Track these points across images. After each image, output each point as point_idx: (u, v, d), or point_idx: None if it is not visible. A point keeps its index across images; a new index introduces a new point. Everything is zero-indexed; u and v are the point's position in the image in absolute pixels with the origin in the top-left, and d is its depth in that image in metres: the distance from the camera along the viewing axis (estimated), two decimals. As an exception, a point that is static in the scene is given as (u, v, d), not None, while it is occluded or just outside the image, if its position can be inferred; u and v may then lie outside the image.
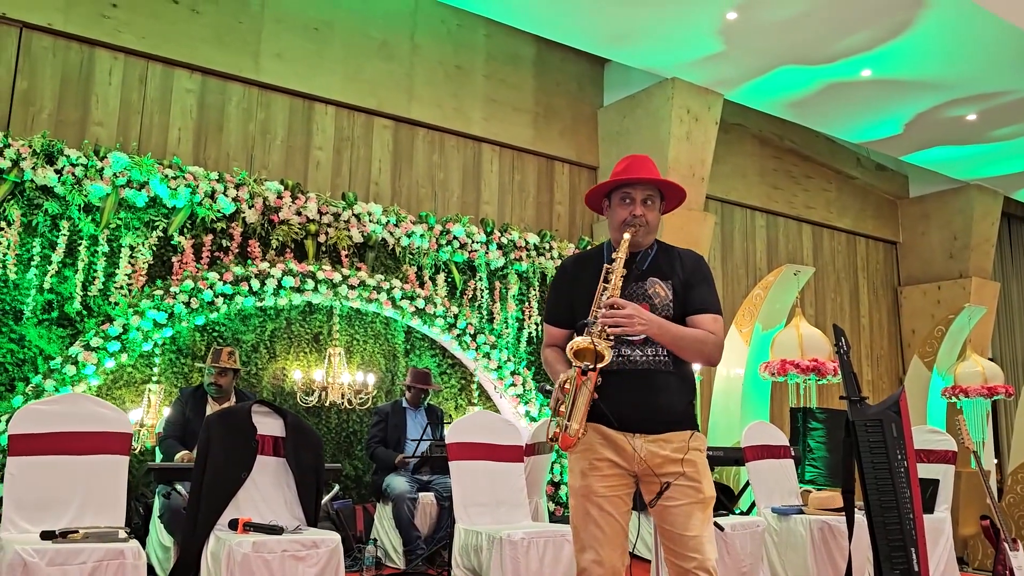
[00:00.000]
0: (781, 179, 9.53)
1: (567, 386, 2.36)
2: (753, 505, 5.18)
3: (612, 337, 2.37)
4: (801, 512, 4.58)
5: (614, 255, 2.51)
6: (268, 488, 3.45)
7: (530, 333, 6.83)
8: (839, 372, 4.25)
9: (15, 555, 2.64)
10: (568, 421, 2.32)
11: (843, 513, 4.10)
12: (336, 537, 3.21)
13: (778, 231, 9.58)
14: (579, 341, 2.33)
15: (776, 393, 8.02)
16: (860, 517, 4.08)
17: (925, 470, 5.03)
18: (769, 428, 5.06)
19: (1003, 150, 8.85)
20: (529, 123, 7.94)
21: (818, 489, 6.83)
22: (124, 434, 3.28)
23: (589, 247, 7.26)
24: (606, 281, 2.45)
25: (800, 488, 5.00)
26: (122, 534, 2.93)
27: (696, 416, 2.62)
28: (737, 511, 6.21)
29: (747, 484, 5.44)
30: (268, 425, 3.54)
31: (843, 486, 4.09)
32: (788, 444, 5.07)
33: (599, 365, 2.31)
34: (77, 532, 2.90)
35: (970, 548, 8.65)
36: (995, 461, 10.38)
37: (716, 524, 3.68)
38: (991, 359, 10.19)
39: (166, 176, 5.39)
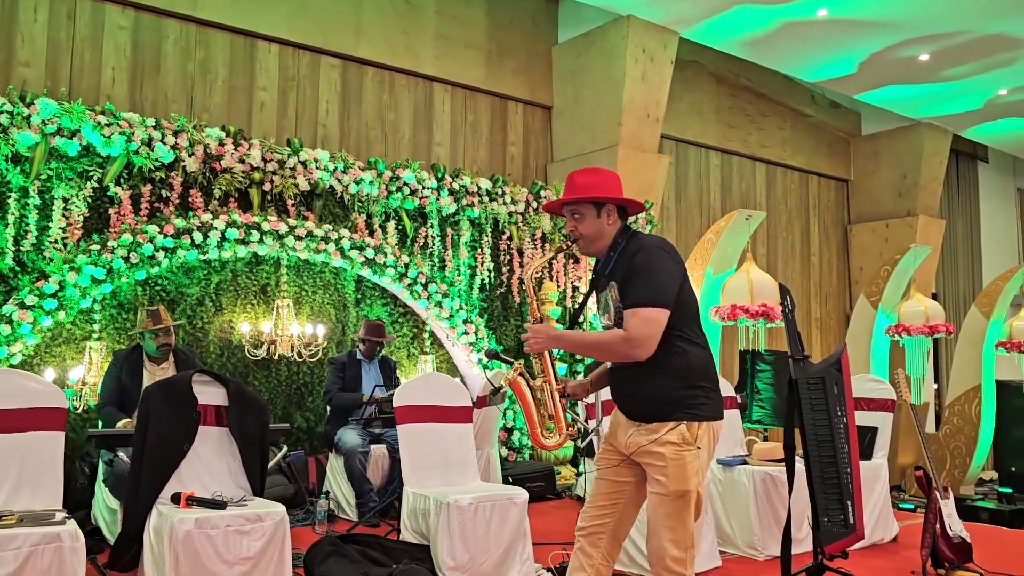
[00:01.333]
0: (736, 117, 9.48)
1: (537, 395, 2.75)
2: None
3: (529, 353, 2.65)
4: (745, 463, 4.69)
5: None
6: (212, 459, 3.41)
7: (483, 280, 6.78)
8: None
9: (-56, 544, 2.58)
10: (556, 435, 2.72)
11: (784, 463, 4.21)
12: (281, 509, 3.20)
13: (732, 170, 9.58)
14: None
15: (726, 335, 8.14)
16: (800, 468, 4.18)
17: (865, 418, 5.17)
18: (716, 379, 5.13)
19: (954, 89, 8.89)
20: (482, 61, 7.73)
21: (765, 428, 7.03)
22: (59, 409, 3.19)
23: (543, 191, 7.18)
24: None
25: (745, 439, 5.11)
26: (59, 516, 2.88)
27: (695, 406, 2.50)
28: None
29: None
30: (210, 394, 3.47)
31: (784, 442, 4.18)
32: (734, 395, 5.15)
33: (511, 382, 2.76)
34: (11, 515, 2.84)
35: (907, 476, 9.03)
36: (935, 386, 10.78)
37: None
38: (934, 295, 10.46)
39: (99, 123, 5.14)
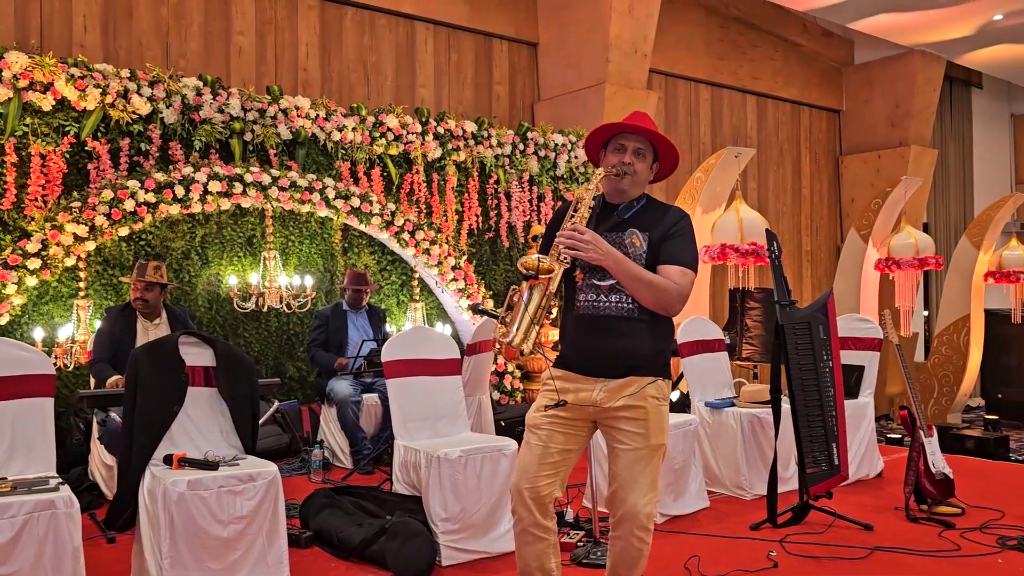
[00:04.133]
0: (727, 49, 9.30)
1: (515, 299, 2.42)
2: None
3: (566, 258, 2.42)
4: (733, 405, 4.75)
5: (582, 195, 2.55)
6: (202, 420, 3.43)
7: (470, 225, 6.74)
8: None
9: (-61, 515, 2.61)
10: (515, 331, 2.36)
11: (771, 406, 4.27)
12: (273, 468, 3.23)
13: (723, 104, 9.44)
14: (527, 258, 2.40)
15: (716, 273, 8.15)
16: (786, 409, 4.25)
17: (851, 357, 5.23)
18: (703, 323, 5.16)
19: (947, 15, 8.70)
20: (465, -2, 7.53)
21: (755, 365, 7.10)
22: (46, 375, 3.18)
23: (530, 132, 7.08)
24: (574, 211, 2.53)
25: (734, 380, 5.16)
26: (52, 482, 2.91)
27: (668, 365, 2.61)
28: (673, 397, 6.43)
29: (681, 375, 5.60)
30: (197, 356, 3.47)
31: (771, 386, 4.23)
32: (721, 337, 5.19)
33: (541, 276, 2.37)
34: (5, 482, 2.87)
35: (895, 406, 9.18)
36: (924, 314, 10.87)
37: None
38: (925, 226, 10.45)
39: (72, 76, 5.02)
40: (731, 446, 4.65)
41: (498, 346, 2.45)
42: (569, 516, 3.98)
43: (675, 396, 6.42)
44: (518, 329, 2.37)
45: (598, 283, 2.54)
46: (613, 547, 2.56)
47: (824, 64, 10.28)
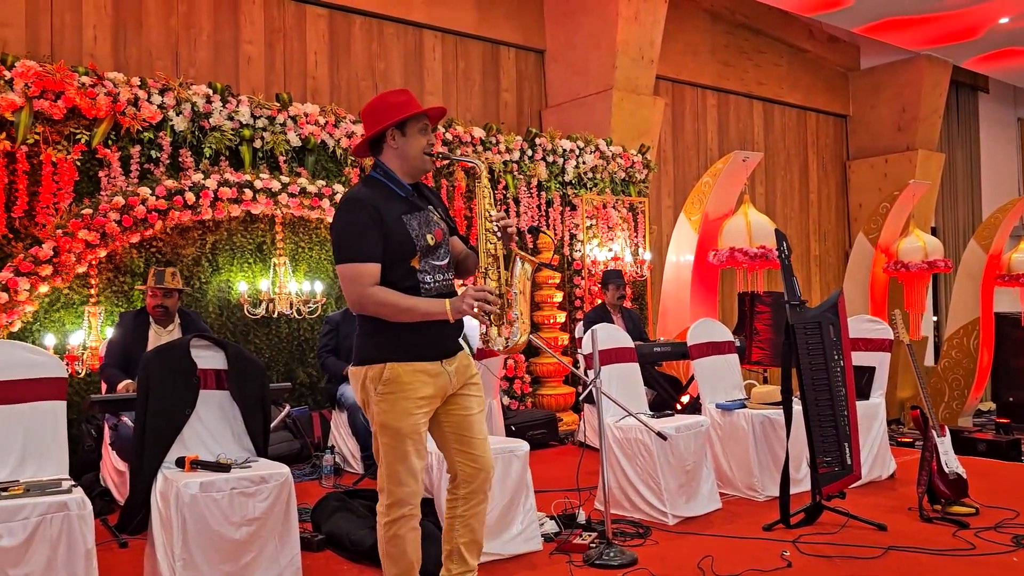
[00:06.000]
0: (733, 55, 9.32)
1: (517, 289, 2.53)
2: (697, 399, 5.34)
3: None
4: (744, 407, 4.73)
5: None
6: (214, 423, 3.43)
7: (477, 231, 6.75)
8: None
9: (-46, 516, 2.62)
10: (519, 324, 2.51)
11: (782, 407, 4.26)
12: (285, 470, 3.23)
13: (729, 110, 9.45)
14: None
15: (725, 276, 8.14)
16: (798, 410, 4.23)
17: (862, 358, 5.20)
18: (713, 325, 5.15)
19: (954, 20, 8.72)
20: (473, 6, 7.58)
21: (764, 369, 7.08)
22: (59, 379, 3.18)
23: (537, 138, 7.09)
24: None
25: (744, 382, 5.14)
26: (65, 484, 2.91)
27: None
28: (685, 398, 6.42)
29: (691, 377, 5.59)
30: (208, 359, 3.48)
31: (782, 386, 4.22)
32: (731, 339, 5.18)
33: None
34: (18, 485, 2.87)
35: (905, 410, 9.13)
36: (934, 319, 10.82)
37: (659, 434, 3.78)
38: (933, 230, 10.43)
39: (83, 84, 5.06)
40: (743, 447, 4.63)
41: (510, 347, 2.60)
42: (581, 518, 3.97)
43: (685, 399, 6.40)
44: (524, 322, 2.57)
45: (438, 263, 2.60)
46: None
47: (830, 69, 10.29)
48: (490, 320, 2.52)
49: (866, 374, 5.19)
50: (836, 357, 4.08)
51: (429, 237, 2.56)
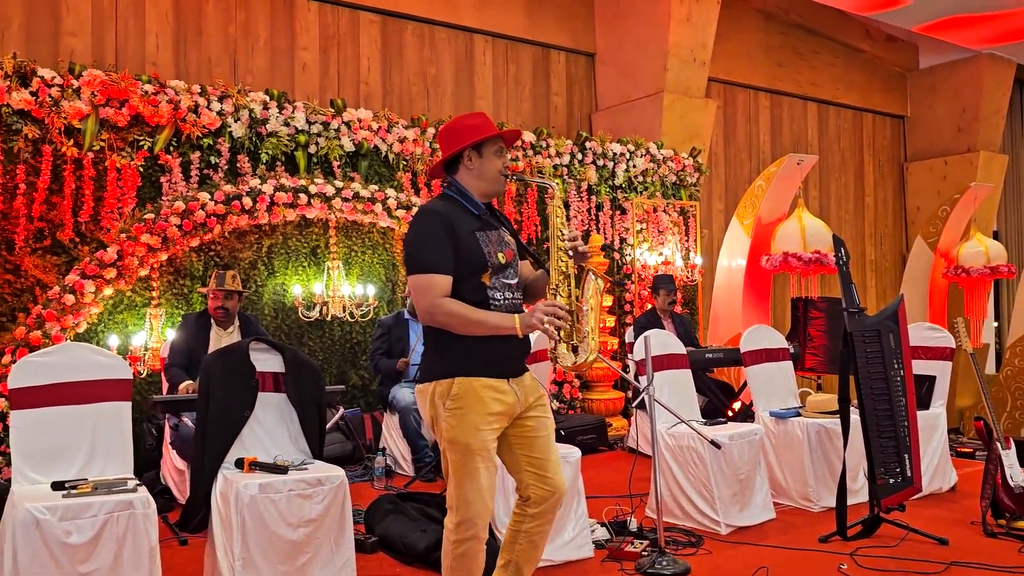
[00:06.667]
0: (786, 56, 9.18)
1: (590, 304, 2.56)
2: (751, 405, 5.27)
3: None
4: (799, 415, 4.66)
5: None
6: (272, 425, 3.50)
7: (529, 235, 6.77)
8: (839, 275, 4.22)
9: (27, 513, 2.70)
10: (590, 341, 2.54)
11: (839, 416, 4.18)
12: (340, 473, 3.28)
13: (782, 112, 9.32)
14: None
15: (778, 282, 8.03)
16: (856, 420, 4.15)
17: (922, 367, 5.08)
18: (767, 331, 5.08)
19: (1017, 17, 8.46)
20: (523, 10, 7.59)
21: (818, 376, 6.95)
22: (124, 380, 3.28)
23: (588, 142, 7.08)
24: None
25: (799, 390, 5.06)
26: (131, 483, 2.99)
27: None
28: (737, 405, 6.34)
29: (744, 384, 5.51)
30: (267, 362, 3.55)
31: (839, 395, 4.14)
32: (786, 346, 5.10)
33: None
34: (87, 482, 2.97)
35: (965, 419, 8.88)
36: (995, 325, 10.51)
37: (712, 442, 3.74)
38: (995, 233, 10.13)
39: (146, 92, 5.20)
40: (797, 457, 4.55)
41: (582, 364, 2.60)
42: (633, 525, 3.95)
43: (736, 406, 6.32)
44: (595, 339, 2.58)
45: (508, 281, 2.60)
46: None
47: (887, 69, 10.07)
48: (559, 336, 2.51)
49: (926, 383, 5.07)
50: (896, 366, 3.99)
51: (500, 255, 2.57)
